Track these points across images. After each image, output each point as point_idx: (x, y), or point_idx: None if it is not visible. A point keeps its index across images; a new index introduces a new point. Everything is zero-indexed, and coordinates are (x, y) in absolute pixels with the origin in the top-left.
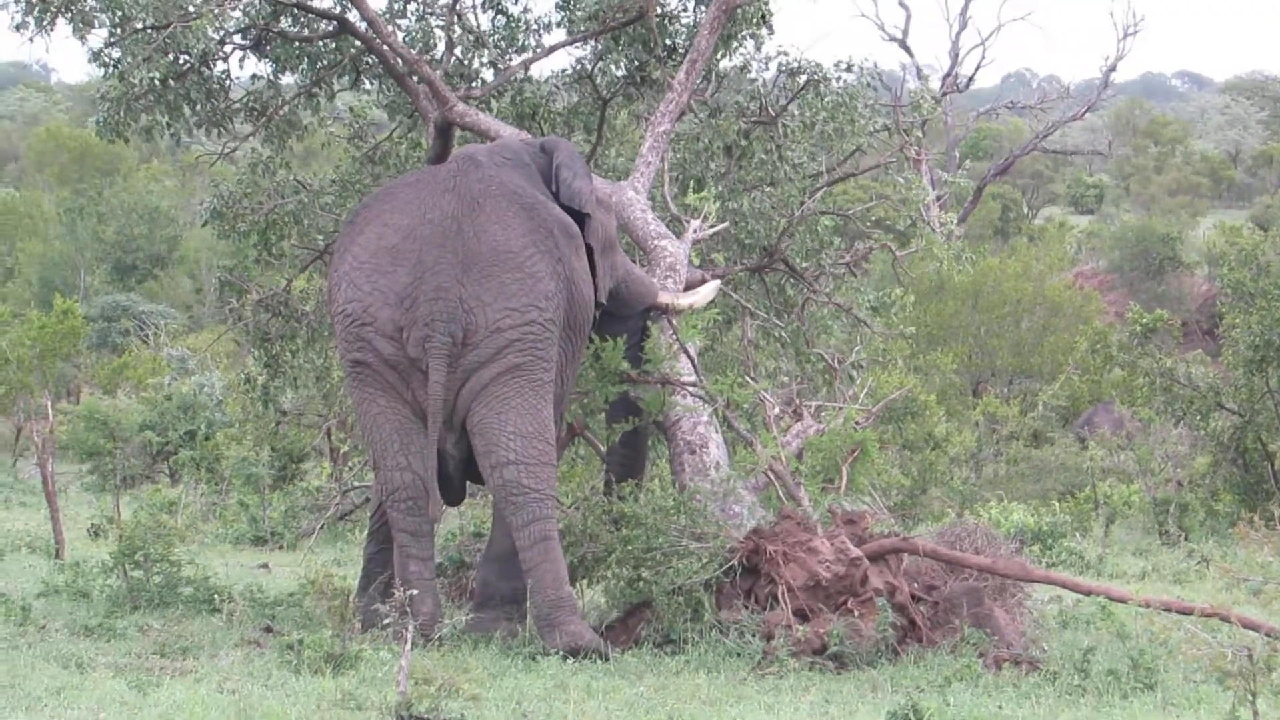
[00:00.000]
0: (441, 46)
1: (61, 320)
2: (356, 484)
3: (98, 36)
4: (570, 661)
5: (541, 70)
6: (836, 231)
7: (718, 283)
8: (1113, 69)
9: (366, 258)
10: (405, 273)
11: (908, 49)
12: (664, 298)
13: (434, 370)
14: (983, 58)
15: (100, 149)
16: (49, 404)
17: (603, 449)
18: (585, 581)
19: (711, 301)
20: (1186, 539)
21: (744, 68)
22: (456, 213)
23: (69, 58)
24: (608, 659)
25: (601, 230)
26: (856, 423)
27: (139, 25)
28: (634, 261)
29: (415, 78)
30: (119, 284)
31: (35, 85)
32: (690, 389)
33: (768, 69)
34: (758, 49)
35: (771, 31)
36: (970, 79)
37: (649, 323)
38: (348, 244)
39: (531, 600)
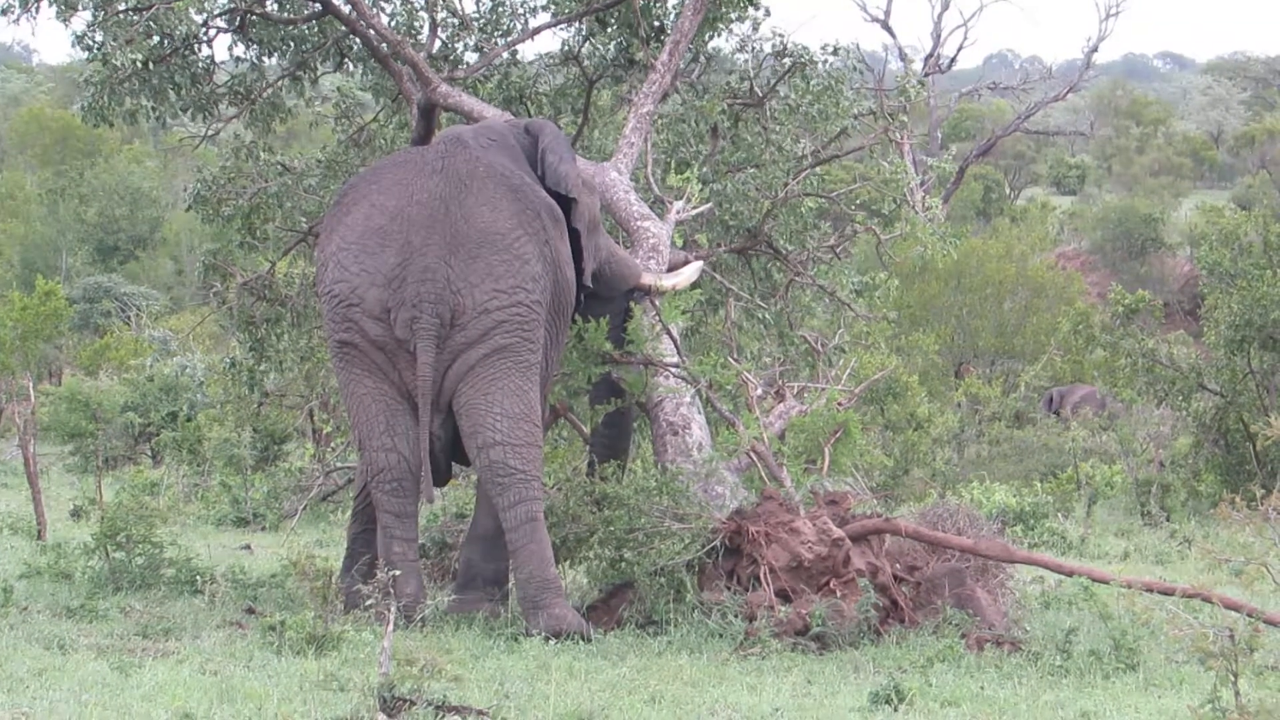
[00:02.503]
0: (426, 29)
1: (43, 302)
2: (339, 465)
3: (81, 19)
4: (553, 643)
5: (527, 52)
6: (820, 215)
7: (700, 263)
8: (1094, 50)
9: (354, 239)
10: (393, 254)
11: (890, 30)
12: (647, 279)
13: (422, 351)
14: (965, 39)
15: (82, 130)
16: (31, 385)
17: (586, 430)
18: (568, 562)
19: (695, 283)
20: (1168, 520)
21: (739, 48)
22: (444, 194)
23: (51, 39)
24: (590, 641)
25: (587, 213)
26: (839, 404)
27: (121, 7)
28: (617, 242)
29: (399, 60)
30: (101, 265)
31: (16, 66)
32: (673, 370)
33: (763, 50)
34: (754, 30)
35: (767, 14)
36: (952, 60)
37: (632, 304)
38: (335, 225)
39: (516, 581)
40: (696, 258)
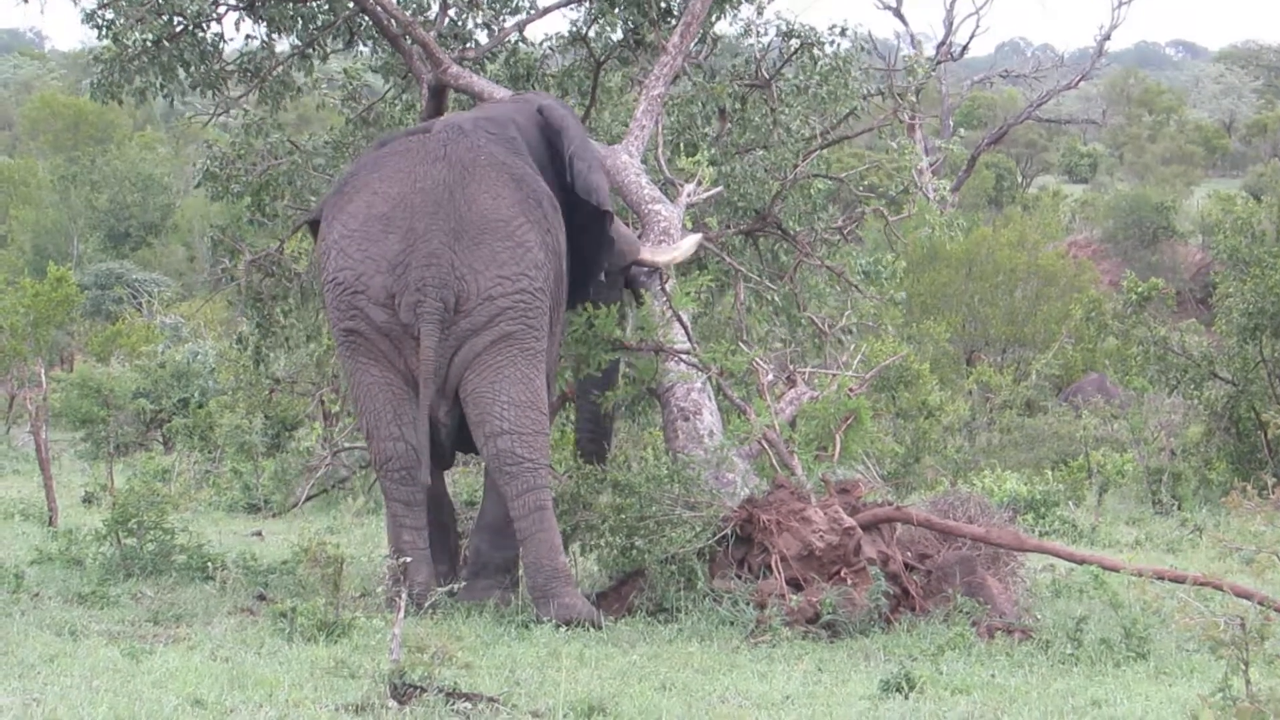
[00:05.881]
0: (435, 8)
1: (55, 288)
2: (348, 445)
3: None
4: (563, 631)
5: (536, 32)
6: (829, 196)
7: (698, 236)
8: (1107, 38)
9: (357, 226)
10: (397, 240)
11: (902, 17)
12: (645, 254)
13: (426, 335)
14: (977, 26)
15: (94, 116)
16: (42, 371)
17: None
18: (578, 549)
19: (703, 265)
20: (1179, 508)
21: (745, 32)
22: (447, 181)
23: (63, 25)
24: (601, 629)
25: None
26: (850, 390)
27: None
28: (626, 224)
29: (409, 39)
30: (112, 251)
31: (29, 52)
32: (683, 356)
33: (766, 33)
34: (759, 14)
35: None
36: (964, 48)
37: (642, 291)
38: (336, 213)
39: (526, 570)
40: (706, 239)
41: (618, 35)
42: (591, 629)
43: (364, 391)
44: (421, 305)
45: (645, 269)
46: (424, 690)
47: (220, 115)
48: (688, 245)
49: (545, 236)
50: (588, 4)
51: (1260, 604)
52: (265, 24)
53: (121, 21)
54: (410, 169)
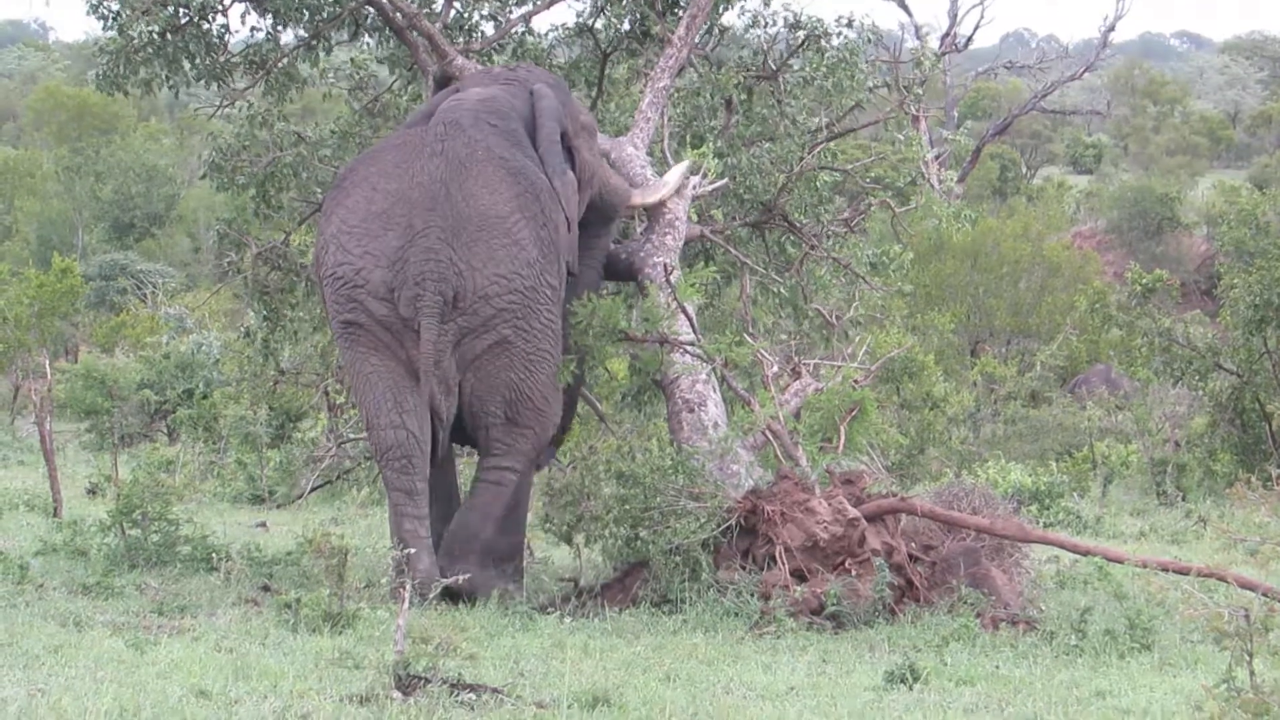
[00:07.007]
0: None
1: (60, 279)
2: (352, 436)
3: None
4: (568, 622)
5: (542, 24)
6: (836, 188)
7: (685, 165)
8: (1111, 29)
9: (356, 222)
10: (395, 236)
11: (906, 8)
12: (636, 198)
13: (425, 328)
14: (981, 17)
15: (98, 107)
16: (47, 363)
17: (601, 408)
18: (583, 540)
19: (710, 258)
20: (1184, 499)
21: (753, 23)
22: (444, 177)
23: (67, 16)
24: (472, 604)
25: (586, 168)
26: (855, 382)
27: None
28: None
29: (414, 31)
30: (117, 242)
31: (33, 44)
32: (688, 348)
33: (774, 24)
34: (765, 5)
35: None
36: (969, 39)
37: (646, 283)
38: (334, 208)
39: (452, 526)
40: (712, 231)
41: (624, 27)
42: (469, 600)
43: (363, 381)
44: (421, 299)
45: (649, 265)
46: (428, 681)
47: (225, 107)
48: (673, 179)
49: (542, 231)
50: None
51: (1265, 595)
52: (270, 16)
53: (127, 13)
54: (408, 164)
